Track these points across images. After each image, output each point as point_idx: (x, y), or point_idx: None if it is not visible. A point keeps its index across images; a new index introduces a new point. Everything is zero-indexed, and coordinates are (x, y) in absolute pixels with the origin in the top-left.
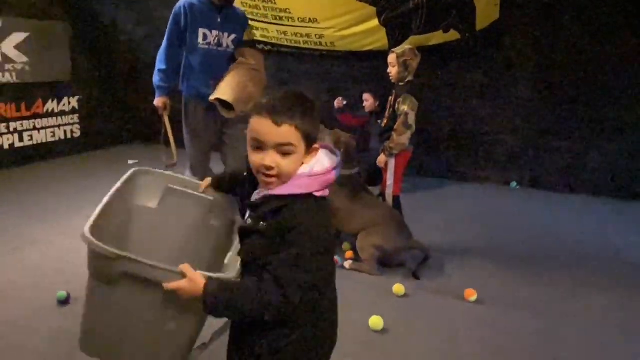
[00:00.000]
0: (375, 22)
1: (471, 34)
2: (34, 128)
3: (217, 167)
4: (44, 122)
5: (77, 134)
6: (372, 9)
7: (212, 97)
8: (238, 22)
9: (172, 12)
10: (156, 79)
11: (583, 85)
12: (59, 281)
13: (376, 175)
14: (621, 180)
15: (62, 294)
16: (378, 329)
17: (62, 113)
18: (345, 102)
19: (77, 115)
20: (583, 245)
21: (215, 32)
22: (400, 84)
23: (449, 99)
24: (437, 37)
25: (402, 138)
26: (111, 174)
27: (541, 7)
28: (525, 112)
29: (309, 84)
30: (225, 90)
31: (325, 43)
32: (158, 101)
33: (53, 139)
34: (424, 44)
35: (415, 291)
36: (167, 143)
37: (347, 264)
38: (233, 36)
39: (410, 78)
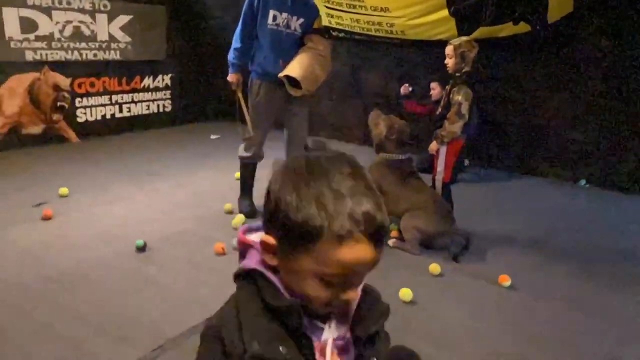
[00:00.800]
0: (445, 12)
1: (543, 27)
2: (132, 101)
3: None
4: (141, 96)
5: (169, 108)
6: (442, 0)
7: (281, 74)
8: (308, 9)
9: None
10: (231, 56)
11: None
12: (140, 231)
13: (431, 164)
14: None
15: (140, 242)
16: (406, 300)
17: (157, 89)
18: (411, 89)
19: (169, 91)
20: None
21: (285, 15)
22: (457, 74)
23: (518, 92)
24: (507, 29)
25: (454, 127)
26: (195, 146)
27: None
28: (597, 108)
29: (380, 70)
30: (294, 68)
31: (396, 31)
32: (231, 77)
33: (147, 112)
34: (494, 35)
35: (450, 272)
36: (242, 118)
37: (390, 242)
38: (301, 20)
39: (467, 69)
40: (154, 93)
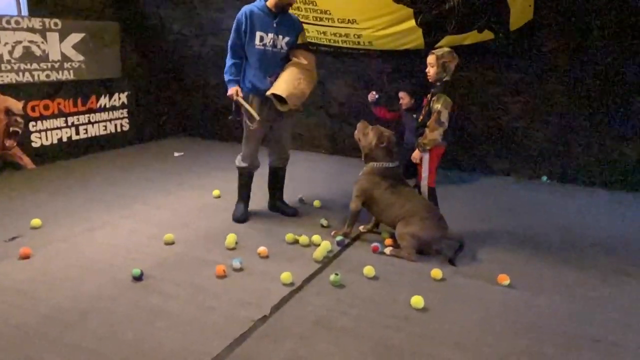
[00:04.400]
0: (412, 22)
1: (505, 34)
2: (89, 122)
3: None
4: (97, 116)
5: (127, 127)
6: (409, 11)
7: (268, 92)
8: (292, 27)
9: (236, 19)
10: (227, 73)
11: (614, 80)
12: (130, 260)
13: (410, 168)
14: None
15: (137, 270)
16: (419, 307)
17: (113, 108)
18: (377, 96)
19: (127, 110)
20: (613, 236)
21: (271, 35)
22: (437, 83)
23: (482, 96)
24: (471, 37)
25: (434, 134)
26: (159, 164)
27: (573, 6)
28: (557, 108)
29: (345, 81)
30: (280, 86)
31: (363, 42)
32: (232, 90)
33: (105, 132)
34: (459, 44)
35: (451, 276)
36: (248, 113)
37: (387, 250)
38: (287, 39)
39: (447, 78)
40: (110, 112)
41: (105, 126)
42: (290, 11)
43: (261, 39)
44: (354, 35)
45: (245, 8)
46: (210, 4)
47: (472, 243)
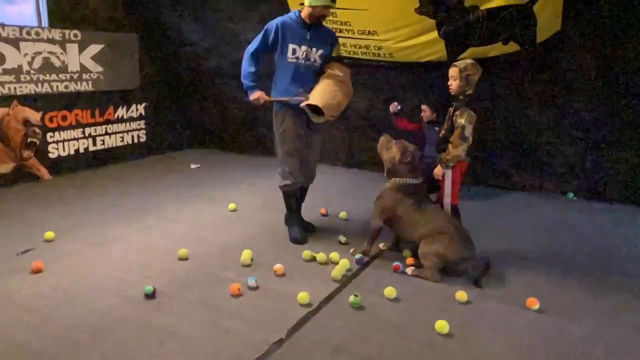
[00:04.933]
0: (434, 34)
1: (531, 46)
2: (106, 133)
3: None
4: (115, 127)
5: (143, 138)
6: (431, 22)
7: (303, 104)
8: (326, 39)
9: (265, 27)
10: (247, 80)
11: None
12: (143, 276)
13: (431, 183)
14: None
15: (150, 288)
16: (444, 333)
17: (131, 119)
18: (399, 107)
19: (144, 121)
20: None
21: (304, 48)
22: (460, 97)
23: (506, 110)
24: (496, 49)
25: (457, 150)
26: (175, 176)
27: (603, 18)
28: (583, 123)
29: (365, 93)
30: (315, 97)
31: (384, 54)
32: (256, 95)
33: (122, 143)
34: (483, 56)
35: (477, 298)
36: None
37: (409, 270)
38: (320, 51)
39: (470, 91)
40: (128, 124)
41: (122, 137)
42: None
43: (294, 51)
44: (374, 47)
45: (278, 19)
46: (229, 17)
47: (497, 263)
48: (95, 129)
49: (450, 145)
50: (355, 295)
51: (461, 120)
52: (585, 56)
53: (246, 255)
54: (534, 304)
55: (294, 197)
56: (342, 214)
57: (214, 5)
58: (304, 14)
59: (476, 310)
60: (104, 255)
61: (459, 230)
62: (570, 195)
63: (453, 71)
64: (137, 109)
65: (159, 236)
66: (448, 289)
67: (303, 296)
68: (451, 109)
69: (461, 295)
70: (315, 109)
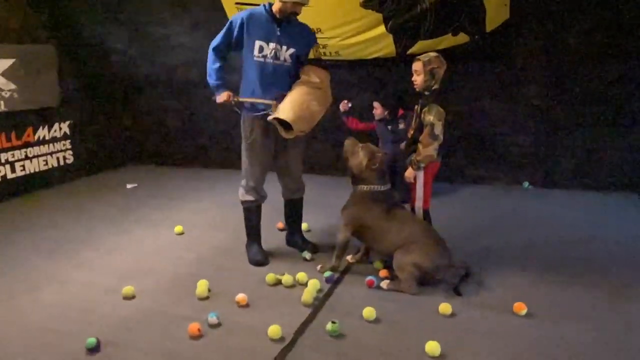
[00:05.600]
0: (381, 29)
1: (481, 36)
2: (26, 157)
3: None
4: (36, 150)
5: (70, 160)
6: (378, 16)
7: (270, 117)
8: (300, 38)
9: (230, 20)
10: (212, 79)
11: (595, 81)
12: (85, 323)
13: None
14: (634, 175)
15: (92, 340)
16: (436, 355)
17: (54, 140)
18: (350, 105)
19: (69, 140)
20: (620, 243)
21: (272, 45)
22: (426, 93)
23: (457, 102)
24: (446, 41)
25: (428, 150)
26: (110, 200)
27: (551, 4)
28: (536, 111)
29: None
30: (285, 110)
31: (329, 52)
32: (222, 97)
33: (46, 167)
34: (433, 49)
35: (461, 309)
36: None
37: (384, 284)
38: (292, 50)
39: (436, 86)
40: (51, 145)
41: (46, 160)
42: None
43: (260, 49)
44: (319, 45)
45: (245, 11)
46: (156, 21)
47: (472, 265)
48: (13, 154)
49: (420, 145)
50: (333, 322)
51: (430, 117)
52: (534, 43)
53: (202, 286)
54: (521, 308)
55: (255, 214)
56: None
57: (140, 9)
58: (274, 8)
59: (463, 322)
60: (36, 301)
61: (433, 236)
62: (526, 184)
63: (417, 65)
64: (60, 128)
65: (98, 272)
66: (429, 301)
67: (274, 330)
68: (417, 107)
69: (445, 308)
70: (284, 123)
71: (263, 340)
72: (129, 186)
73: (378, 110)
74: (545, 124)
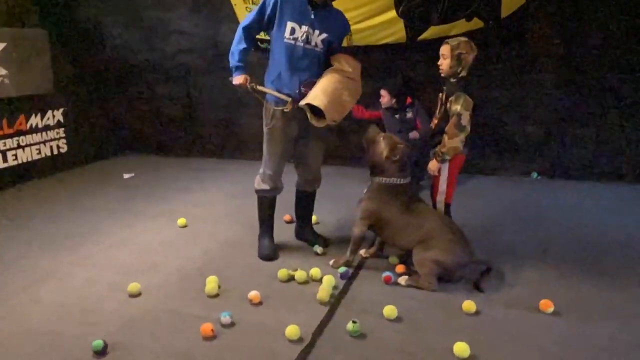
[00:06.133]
0: (392, 13)
1: (496, 22)
2: (19, 146)
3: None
4: (29, 139)
5: (64, 149)
6: (389, 0)
7: (302, 102)
8: (334, 24)
9: (262, 0)
10: (234, 59)
11: (609, 71)
12: (89, 324)
13: None
14: None
15: (99, 343)
16: (465, 357)
17: (47, 128)
18: None
19: (63, 129)
20: (628, 235)
21: (304, 28)
22: (452, 79)
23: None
24: (459, 27)
25: (454, 141)
26: (110, 190)
27: None
28: (549, 100)
29: None
30: (317, 96)
31: None
32: (239, 79)
33: (39, 157)
34: (446, 34)
35: (485, 307)
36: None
37: (402, 280)
38: (324, 35)
39: (464, 74)
40: (44, 133)
41: (39, 149)
42: (252, 6)
43: (292, 31)
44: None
45: None
46: (154, 4)
47: (493, 260)
48: (5, 143)
49: (445, 136)
50: (354, 322)
51: (457, 107)
52: (550, 30)
53: (211, 283)
54: (548, 306)
55: (268, 205)
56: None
57: None
58: None
59: (489, 321)
60: (36, 301)
61: (456, 232)
62: (534, 175)
63: (444, 49)
64: (53, 116)
65: (100, 268)
66: (451, 298)
67: (292, 330)
68: (442, 95)
69: (469, 305)
70: (315, 110)
71: (281, 340)
72: (126, 176)
73: (385, 98)
74: (556, 113)
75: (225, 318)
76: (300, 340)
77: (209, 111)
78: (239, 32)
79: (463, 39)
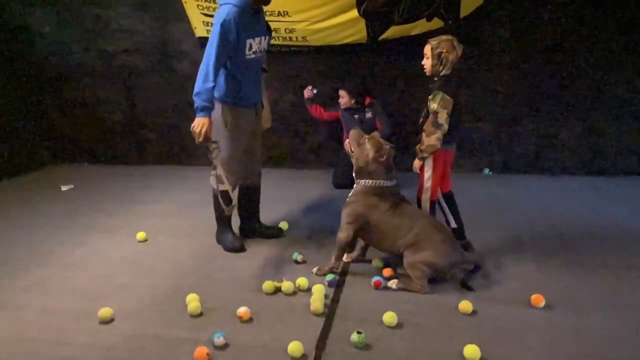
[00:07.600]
0: (353, 13)
1: (455, 22)
2: None
3: None
4: None
5: None
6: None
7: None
8: (266, 23)
9: (220, 27)
10: (202, 98)
11: (556, 68)
12: (61, 358)
13: (348, 178)
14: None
15: None
16: (477, 359)
17: None
18: (315, 91)
19: None
20: (603, 227)
21: (258, 39)
22: (435, 78)
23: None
24: (420, 27)
25: (431, 139)
26: (47, 203)
27: None
28: (501, 99)
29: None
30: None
31: (296, 38)
32: (203, 122)
33: None
34: (406, 34)
35: (480, 306)
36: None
37: (393, 284)
38: (268, 38)
39: (445, 72)
40: None
41: None
42: (203, 4)
43: (250, 47)
44: (285, 30)
45: (227, 11)
46: (92, 0)
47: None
48: None
49: (423, 134)
50: (359, 332)
51: (434, 105)
52: (505, 30)
53: (194, 302)
54: (539, 301)
55: (228, 201)
56: (283, 225)
57: None
58: None
59: (487, 321)
60: None
61: (444, 232)
62: (486, 170)
63: (426, 48)
64: None
65: (59, 294)
66: (445, 300)
67: (295, 347)
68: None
69: (465, 306)
70: None
71: (283, 358)
72: (64, 188)
73: (344, 98)
74: (507, 110)
75: (219, 339)
76: (304, 357)
77: (152, 117)
78: (208, 70)
79: (445, 37)
